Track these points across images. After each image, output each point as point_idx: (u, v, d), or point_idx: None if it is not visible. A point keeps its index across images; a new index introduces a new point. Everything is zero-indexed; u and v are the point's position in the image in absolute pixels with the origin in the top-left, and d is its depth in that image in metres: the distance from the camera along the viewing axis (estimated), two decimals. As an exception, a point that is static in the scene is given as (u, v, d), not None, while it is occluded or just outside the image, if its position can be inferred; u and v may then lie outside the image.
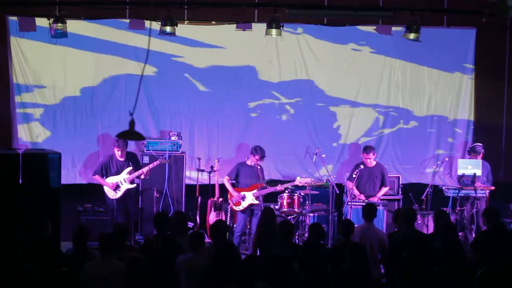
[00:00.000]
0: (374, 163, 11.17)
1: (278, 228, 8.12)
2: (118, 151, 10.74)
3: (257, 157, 10.65)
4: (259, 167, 10.70)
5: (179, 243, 7.50)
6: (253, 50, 12.03)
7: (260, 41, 11.70)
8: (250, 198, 10.67)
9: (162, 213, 9.37)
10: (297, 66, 12.16)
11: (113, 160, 10.82)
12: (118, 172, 10.76)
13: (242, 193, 10.69)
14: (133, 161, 10.92)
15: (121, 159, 10.81)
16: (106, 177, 10.77)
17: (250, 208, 10.72)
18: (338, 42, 12.15)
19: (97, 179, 10.83)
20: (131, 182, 10.79)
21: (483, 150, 11.38)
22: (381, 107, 12.38)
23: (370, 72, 12.31)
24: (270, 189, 10.73)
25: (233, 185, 10.81)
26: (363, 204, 9.93)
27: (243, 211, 10.73)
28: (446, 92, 12.45)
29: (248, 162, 10.78)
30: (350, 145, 12.37)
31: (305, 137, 12.22)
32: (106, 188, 10.76)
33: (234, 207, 10.80)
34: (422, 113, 12.46)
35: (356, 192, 10.98)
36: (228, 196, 10.86)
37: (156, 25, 10.47)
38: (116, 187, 10.70)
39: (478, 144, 11.49)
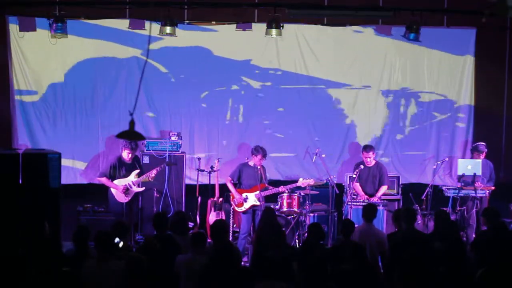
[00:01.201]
0: (373, 162, 11.18)
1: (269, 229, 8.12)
2: (129, 153, 10.52)
3: (259, 156, 10.61)
4: (259, 167, 10.68)
5: (178, 243, 7.50)
6: (253, 50, 12.03)
7: (260, 41, 11.71)
8: (252, 199, 10.64)
9: (161, 213, 9.34)
10: (297, 66, 12.17)
11: (121, 162, 10.59)
12: (126, 175, 10.57)
13: (244, 194, 10.67)
14: (138, 163, 10.80)
15: (129, 162, 10.64)
16: (113, 179, 10.57)
17: (253, 209, 10.70)
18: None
19: (104, 181, 10.55)
20: (139, 185, 10.65)
21: (486, 150, 11.37)
22: (380, 108, 12.41)
23: (370, 73, 12.31)
24: (272, 190, 10.72)
25: (235, 185, 10.81)
26: (363, 204, 9.94)
27: (245, 212, 10.71)
28: (446, 92, 12.46)
29: (250, 163, 10.76)
30: (350, 145, 12.38)
31: (304, 137, 12.24)
32: (114, 191, 10.52)
33: (236, 208, 10.78)
34: (422, 113, 12.48)
35: (361, 192, 10.98)
36: (231, 197, 10.85)
37: (156, 25, 10.50)
38: (126, 190, 10.55)
39: (481, 143, 11.47)
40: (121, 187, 10.48)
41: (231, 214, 11.03)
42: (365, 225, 8.54)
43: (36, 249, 7.07)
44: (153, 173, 10.62)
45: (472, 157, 11.51)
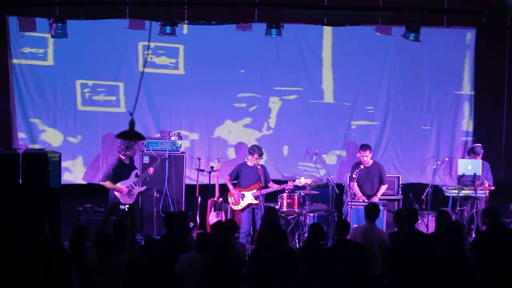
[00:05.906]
0: (371, 162, 11.17)
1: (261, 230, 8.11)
2: (123, 157, 10.72)
3: (255, 155, 10.66)
4: (259, 166, 10.70)
5: (188, 243, 7.53)
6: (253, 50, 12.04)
7: (260, 41, 11.72)
8: (249, 197, 10.69)
9: (172, 213, 9.36)
10: (297, 66, 12.17)
11: (122, 163, 10.72)
12: (127, 176, 10.70)
13: (242, 192, 10.71)
14: (134, 163, 10.94)
15: (127, 162, 10.80)
16: (117, 180, 10.64)
17: (251, 207, 10.72)
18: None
19: (108, 185, 10.63)
20: (139, 185, 10.75)
21: (482, 151, 11.39)
22: (380, 108, 12.41)
23: (370, 72, 12.31)
24: (271, 189, 10.74)
25: (234, 185, 10.83)
26: (364, 204, 9.93)
27: (242, 210, 10.74)
28: (446, 92, 12.46)
29: (249, 163, 10.78)
30: (349, 145, 12.37)
31: (304, 136, 12.24)
32: (119, 195, 10.61)
33: (233, 206, 10.84)
34: (422, 113, 12.48)
35: (359, 193, 10.98)
36: (228, 195, 10.88)
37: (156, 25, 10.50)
38: (129, 192, 10.62)
39: (478, 144, 11.50)
40: (126, 190, 10.58)
41: (229, 214, 11.03)
42: (367, 225, 8.48)
43: (36, 249, 7.08)
44: (151, 170, 10.76)
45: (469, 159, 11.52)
